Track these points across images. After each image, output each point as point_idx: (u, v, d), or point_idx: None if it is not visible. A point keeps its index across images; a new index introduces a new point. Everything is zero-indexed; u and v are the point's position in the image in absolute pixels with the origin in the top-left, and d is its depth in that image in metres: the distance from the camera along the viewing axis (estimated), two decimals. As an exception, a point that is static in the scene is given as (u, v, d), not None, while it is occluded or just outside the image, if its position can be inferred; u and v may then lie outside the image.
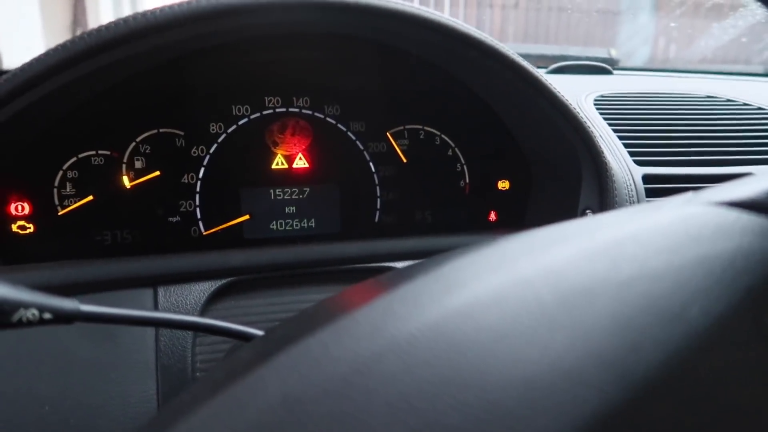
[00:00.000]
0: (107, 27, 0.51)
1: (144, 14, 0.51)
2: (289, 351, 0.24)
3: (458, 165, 0.83)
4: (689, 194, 0.32)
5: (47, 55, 0.51)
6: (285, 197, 0.77)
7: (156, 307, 0.61)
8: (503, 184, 0.85)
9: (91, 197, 0.69)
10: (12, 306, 0.34)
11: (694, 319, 0.23)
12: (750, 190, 0.29)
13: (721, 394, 0.23)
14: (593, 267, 0.25)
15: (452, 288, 0.25)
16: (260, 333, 0.45)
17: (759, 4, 0.25)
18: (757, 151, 0.86)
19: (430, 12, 0.59)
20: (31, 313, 0.35)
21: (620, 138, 0.84)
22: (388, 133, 0.80)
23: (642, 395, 0.21)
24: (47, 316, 0.36)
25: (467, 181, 0.84)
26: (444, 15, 0.60)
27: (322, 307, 0.30)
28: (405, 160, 0.81)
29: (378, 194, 0.80)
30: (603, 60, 1.41)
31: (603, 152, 0.71)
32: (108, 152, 0.70)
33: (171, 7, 0.52)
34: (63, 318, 0.37)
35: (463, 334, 0.22)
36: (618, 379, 0.21)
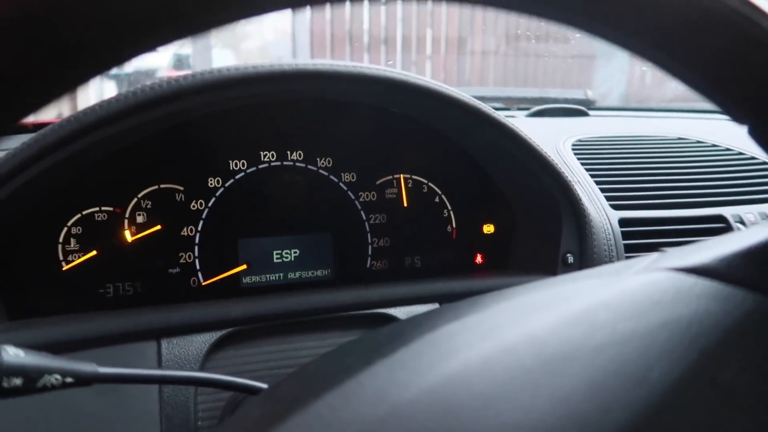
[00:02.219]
0: (117, 99, 0.55)
1: (152, 87, 0.55)
2: (301, 412, 0.27)
3: (445, 211, 0.87)
4: (654, 256, 0.35)
5: (56, 128, 0.54)
6: (281, 246, 0.80)
7: (160, 359, 0.63)
8: (488, 228, 0.90)
9: (94, 252, 0.72)
10: (38, 373, 0.37)
11: (656, 380, 0.27)
12: (705, 257, 0.33)
13: None
14: (570, 334, 0.29)
15: (446, 355, 0.28)
16: (263, 386, 0.48)
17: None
18: (725, 192, 0.92)
19: (414, 77, 0.64)
20: (55, 378, 0.38)
21: (597, 182, 0.88)
22: (378, 183, 0.84)
23: None
24: (69, 380, 0.39)
25: (454, 226, 0.88)
26: (427, 79, 0.65)
27: (326, 365, 0.33)
28: (395, 208, 0.85)
29: (369, 241, 0.84)
30: (580, 101, 1.48)
31: (581, 199, 0.76)
32: (111, 208, 0.73)
33: (183, 78, 0.56)
34: (83, 381, 0.40)
35: (457, 399, 0.26)
36: None
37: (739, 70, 0.30)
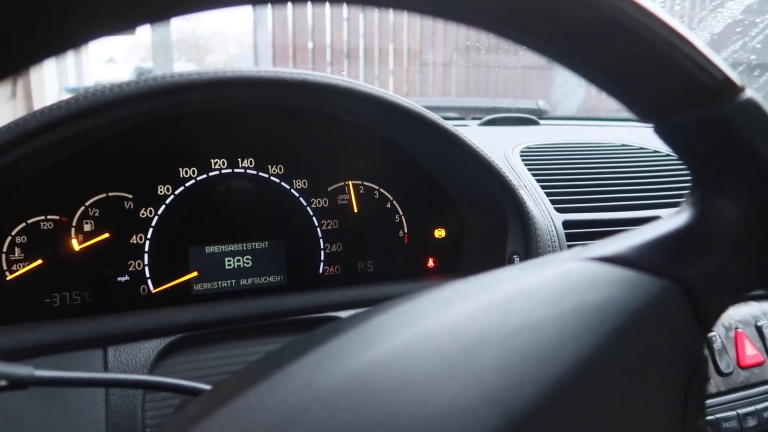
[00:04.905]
0: (59, 105, 0.55)
1: (95, 93, 0.55)
2: (230, 404, 0.28)
3: (397, 216, 0.89)
4: (576, 249, 0.37)
5: None
6: (232, 253, 0.80)
7: (106, 367, 0.63)
8: (440, 233, 0.92)
9: (40, 261, 0.71)
10: None
11: (566, 360, 0.28)
12: (618, 247, 0.35)
13: (590, 422, 0.28)
14: (487, 319, 0.30)
15: (371, 343, 0.30)
16: (207, 387, 0.48)
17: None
18: (663, 195, 0.96)
19: (358, 84, 0.66)
20: (-13, 381, 0.38)
21: (543, 187, 0.92)
22: (329, 189, 0.85)
23: (521, 426, 0.26)
24: (2, 383, 0.39)
25: (406, 231, 0.90)
26: (373, 86, 0.66)
27: (263, 361, 0.34)
28: (347, 214, 0.86)
29: (322, 247, 0.85)
30: (531, 110, 1.53)
31: (525, 202, 0.79)
32: (57, 217, 0.72)
33: (126, 84, 0.57)
34: (18, 384, 0.39)
35: (378, 383, 0.27)
36: (502, 414, 0.26)
37: (638, 72, 0.32)
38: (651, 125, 0.36)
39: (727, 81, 0.31)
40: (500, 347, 0.28)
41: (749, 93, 0.31)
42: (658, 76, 0.32)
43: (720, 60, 0.31)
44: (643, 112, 0.35)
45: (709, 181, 0.36)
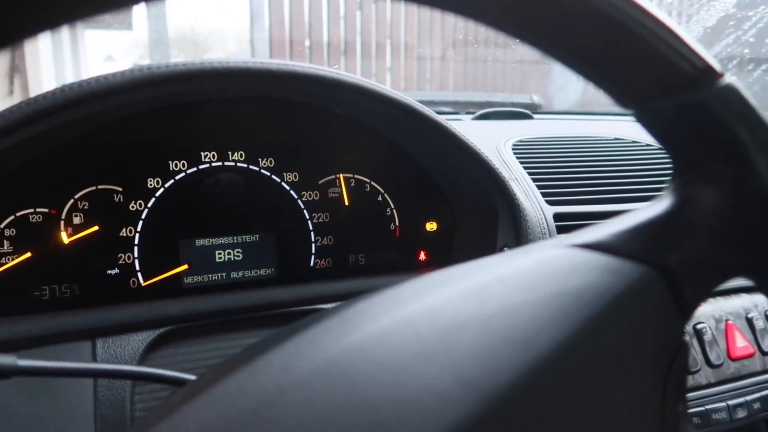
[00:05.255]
0: (45, 96, 0.55)
1: (81, 84, 0.55)
2: (210, 390, 0.28)
3: (388, 210, 0.89)
4: (560, 237, 0.37)
5: None
6: (223, 246, 0.80)
7: (94, 359, 0.63)
8: (431, 226, 0.92)
9: (29, 254, 0.71)
10: None
11: (543, 345, 0.28)
12: (600, 234, 0.35)
13: (567, 406, 0.28)
14: (465, 305, 0.30)
15: (351, 329, 0.30)
16: (193, 377, 0.48)
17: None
18: (655, 188, 0.96)
19: (347, 75, 0.65)
20: (-32, 371, 0.38)
21: (534, 180, 0.92)
22: (320, 182, 0.85)
23: (497, 410, 0.26)
24: (-15, 372, 0.39)
25: (397, 224, 0.90)
26: (363, 78, 0.66)
27: (247, 350, 0.34)
28: (338, 207, 0.86)
29: (313, 240, 0.85)
30: (525, 105, 1.53)
31: (516, 195, 0.79)
32: (46, 210, 0.72)
33: (112, 75, 0.56)
34: (1, 374, 0.39)
35: (354, 367, 0.27)
36: (477, 397, 0.26)
37: (617, 58, 0.32)
38: (631, 111, 0.36)
39: (706, 67, 0.31)
40: (477, 332, 0.29)
41: (728, 78, 0.31)
42: (637, 62, 0.32)
43: (699, 45, 0.31)
44: (622, 98, 0.35)
45: (690, 167, 0.36)
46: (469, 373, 0.27)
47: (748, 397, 0.81)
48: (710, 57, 0.31)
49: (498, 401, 0.26)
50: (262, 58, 0.61)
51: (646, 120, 0.35)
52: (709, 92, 0.31)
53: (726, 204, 0.34)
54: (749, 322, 0.86)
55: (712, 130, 0.33)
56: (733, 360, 0.83)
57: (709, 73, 0.31)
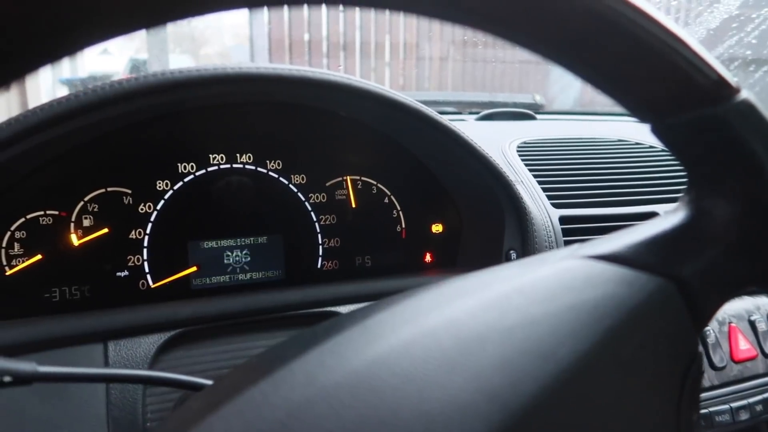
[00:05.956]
0: (59, 101, 0.55)
1: (95, 89, 0.55)
2: (235, 400, 0.28)
3: (395, 211, 0.90)
4: (574, 246, 0.38)
5: None
6: (231, 248, 0.81)
7: (106, 361, 0.63)
8: (437, 228, 0.92)
9: (39, 256, 0.71)
10: None
11: (563, 357, 0.29)
12: (615, 245, 0.36)
13: (587, 417, 0.29)
14: (486, 316, 0.31)
15: (372, 340, 0.30)
16: (209, 382, 0.48)
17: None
18: (660, 191, 0.97)
19: (357, 80, 0.66)
20: (-8, 377, 0.38)
21: (539, 182, 0.92)
22: (327, 184, 0.86)
23: (520, 421, 0.26)
24: (7, 379, 0.39)
25: (403, 226, 0.90)
26: (369, 82, 0.67)
27: (265, 357, 0.35)
28: (345, 209, 0.87)
29: (320, 242, 0.85)
30: (528, 105, 1.53)
31: (522, 198, 0.79)
32: (56, 212, 0.72)
33: (126, 81, 0.57)
34: (22, 380, 0.40)
35: (379, 379, 0.27)
36: (501, 409, 0.26)
37: (633, 73, 0.32)
38: (647, 124, 0.36)
39: (723, 82, 0.32)
40: (499, 344, 0.29)
41: (744, 94, 0.32)
42: (654, 77, 0.32)
43: (715, 61, 0.32)
44: (638, 112, 0.36)
45: (705, 180, 0.36)
46: (493, 385, 0.27)
47: (751, 400, 0.82)
48: (728, 73, 0.32)
49: (521, 413, 0.27)
50: (274, 64, 0.61)
51: (662, 133, 0.36)
52: (725, 107, 0.32)
53: (740, 217, 0.35)
54: (752, 324, 0.87)
55: (728, 144, 0.33)
56: (736, 362, 0.84)
57: (726, 88, 0.32)
